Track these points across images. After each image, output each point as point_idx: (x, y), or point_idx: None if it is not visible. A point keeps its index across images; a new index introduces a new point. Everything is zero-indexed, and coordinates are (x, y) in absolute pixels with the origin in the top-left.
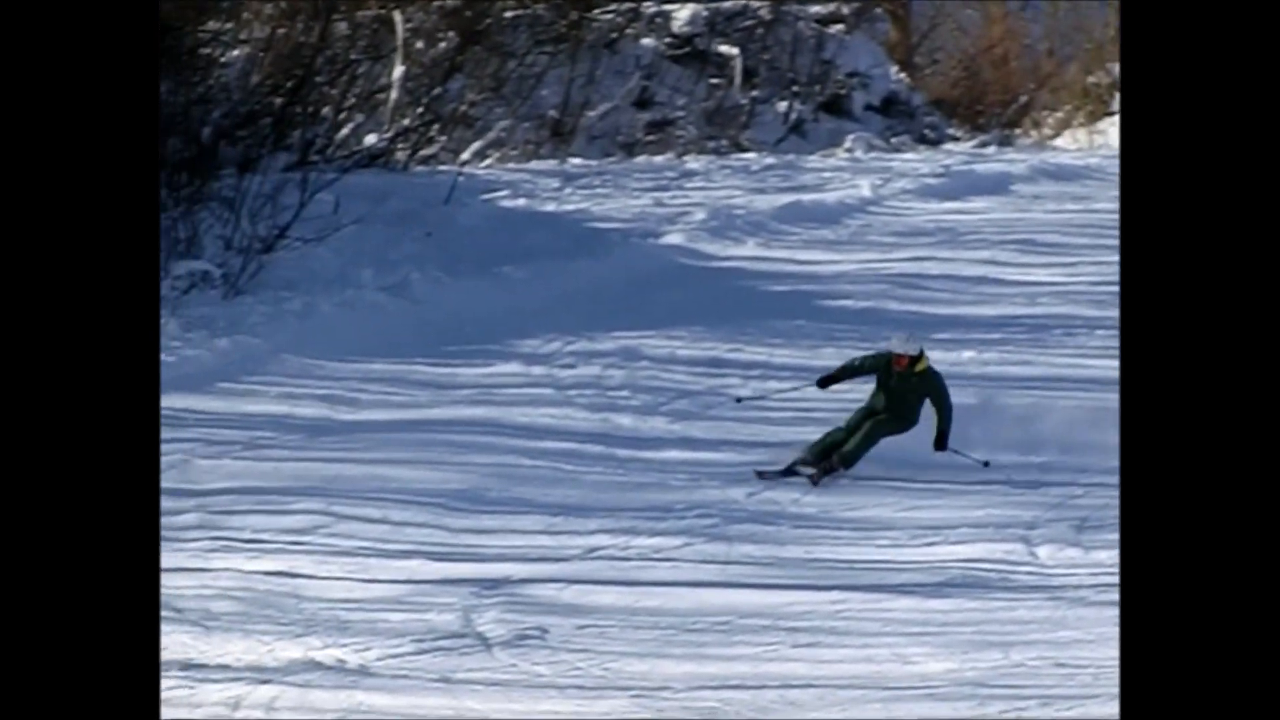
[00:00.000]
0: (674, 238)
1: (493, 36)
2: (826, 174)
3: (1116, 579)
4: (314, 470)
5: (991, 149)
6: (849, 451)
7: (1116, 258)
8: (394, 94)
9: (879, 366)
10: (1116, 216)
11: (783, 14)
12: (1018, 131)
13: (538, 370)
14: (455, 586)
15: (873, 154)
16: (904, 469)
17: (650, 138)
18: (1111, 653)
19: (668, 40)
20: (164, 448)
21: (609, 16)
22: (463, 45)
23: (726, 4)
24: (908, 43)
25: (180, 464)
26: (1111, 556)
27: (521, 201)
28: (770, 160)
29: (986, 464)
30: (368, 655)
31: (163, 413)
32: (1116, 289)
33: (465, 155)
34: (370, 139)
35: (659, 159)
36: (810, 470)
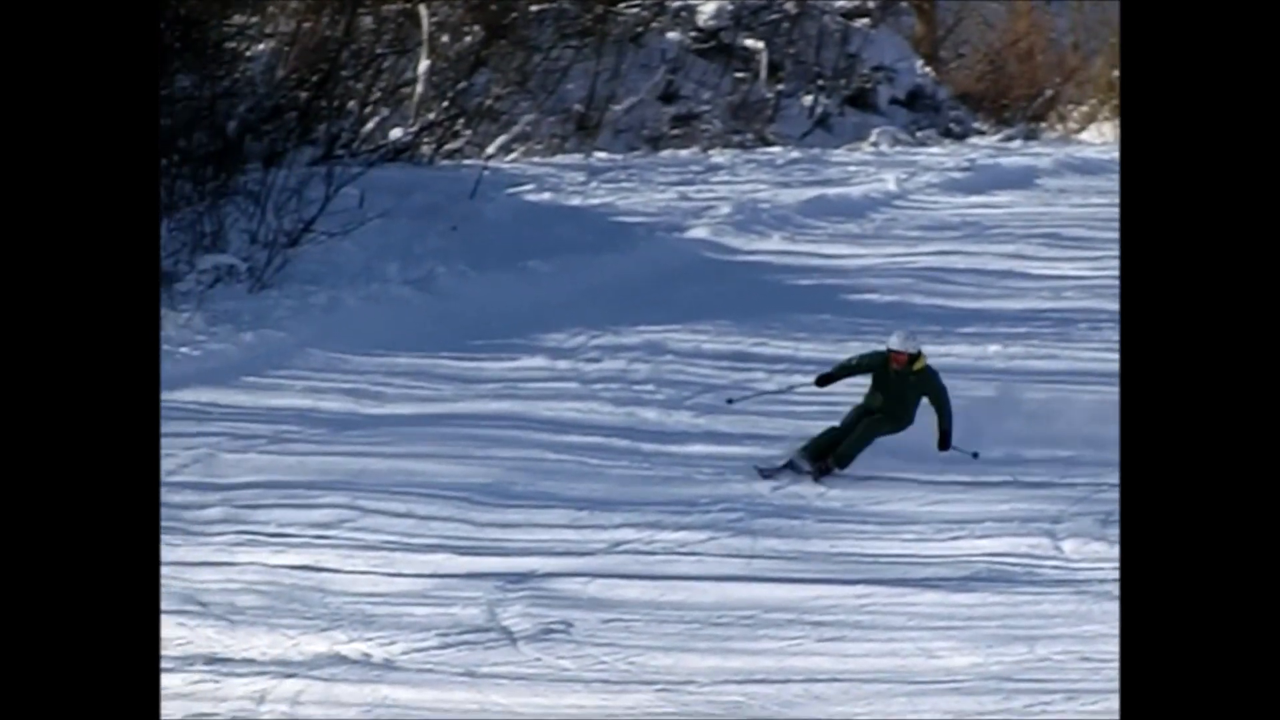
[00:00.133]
0: (699, 232)
1: (518, 30)
2: (852, 168)
3: None
4: (339, 464)
5: (1017, 143)
6: (844, 452)
7: None
8: (419, 88)
9: (876, 365)
10: None
11: (808, 8)
12: (1043, 125)
13: (563, 364)
14: (480, 580)
15: (898, 148)
16: (928, 463)
17: (675, 131)
18: None
19: (693, 34)
20: (189, 441)
21: (634, 10)
22: (488, 39)
23: None
24: (933, 36)
25: (205, 458)
26: None
27: (546, 195)
28: (795, 154)
29: (975, 455)
30: (393, 649)
31: (188, 406)
32: None
33: (490, 149)
34: (395, 133)
35: (684, 153)
36: (809, 469)
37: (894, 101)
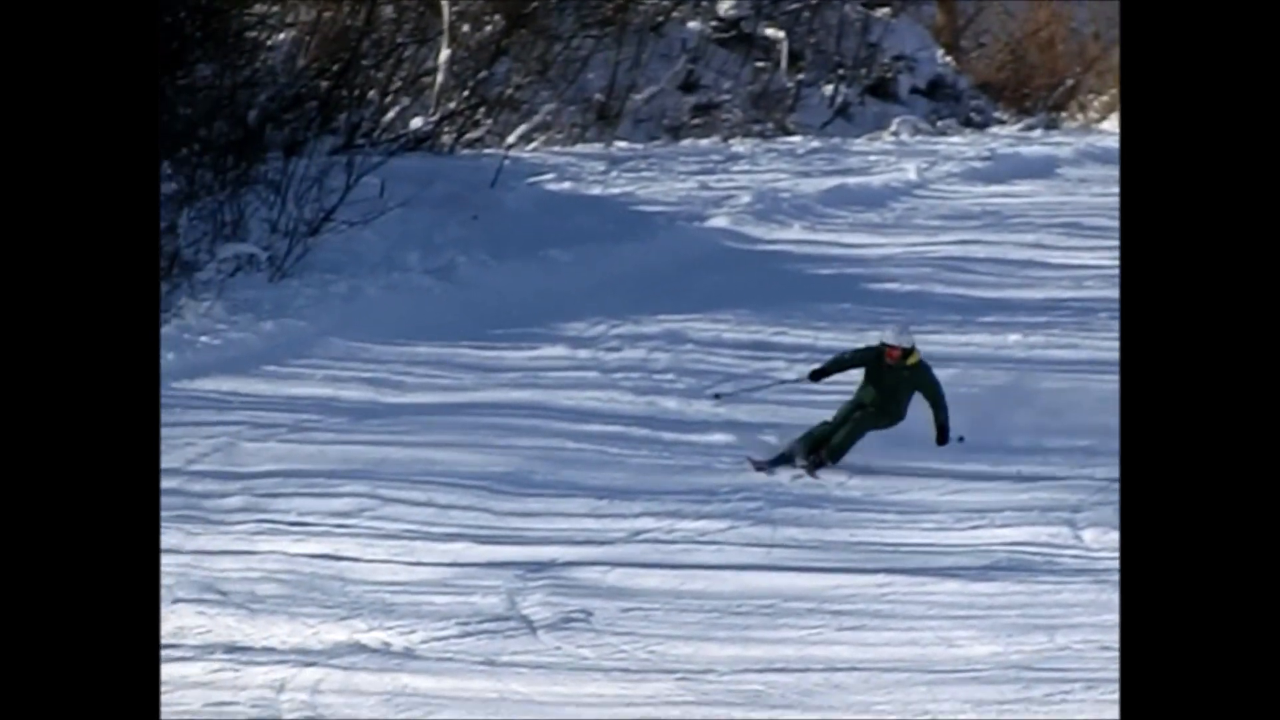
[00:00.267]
0: (719, 221)
1: (539, 20)
2: (872, 157)
3: None
4: (359, 453)
5: (1037, 132)
6: (836, 445)
7: None
8: (440, 77)
9: (870, 359)
10: None
11: None
12: (1063, 115)
13: (583, 353)
14: (500, 569)
15: (918, 137)
16: (947, 453)
17: (696, 121)
18: None
19: (714, 23)
20: (210, 430)
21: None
22: (509, 28)
23: None
24: (954, 26)
25: (226, 447)
26: None
27: (567, 185)
28: (816, 143)
29: (961, 439)
30: (413, 638)
31: (208, 395)
32: None
33: (511, 138)
34: (416, 122)
35: (704, 142)
36: (803, 462)
37: (915, 91)
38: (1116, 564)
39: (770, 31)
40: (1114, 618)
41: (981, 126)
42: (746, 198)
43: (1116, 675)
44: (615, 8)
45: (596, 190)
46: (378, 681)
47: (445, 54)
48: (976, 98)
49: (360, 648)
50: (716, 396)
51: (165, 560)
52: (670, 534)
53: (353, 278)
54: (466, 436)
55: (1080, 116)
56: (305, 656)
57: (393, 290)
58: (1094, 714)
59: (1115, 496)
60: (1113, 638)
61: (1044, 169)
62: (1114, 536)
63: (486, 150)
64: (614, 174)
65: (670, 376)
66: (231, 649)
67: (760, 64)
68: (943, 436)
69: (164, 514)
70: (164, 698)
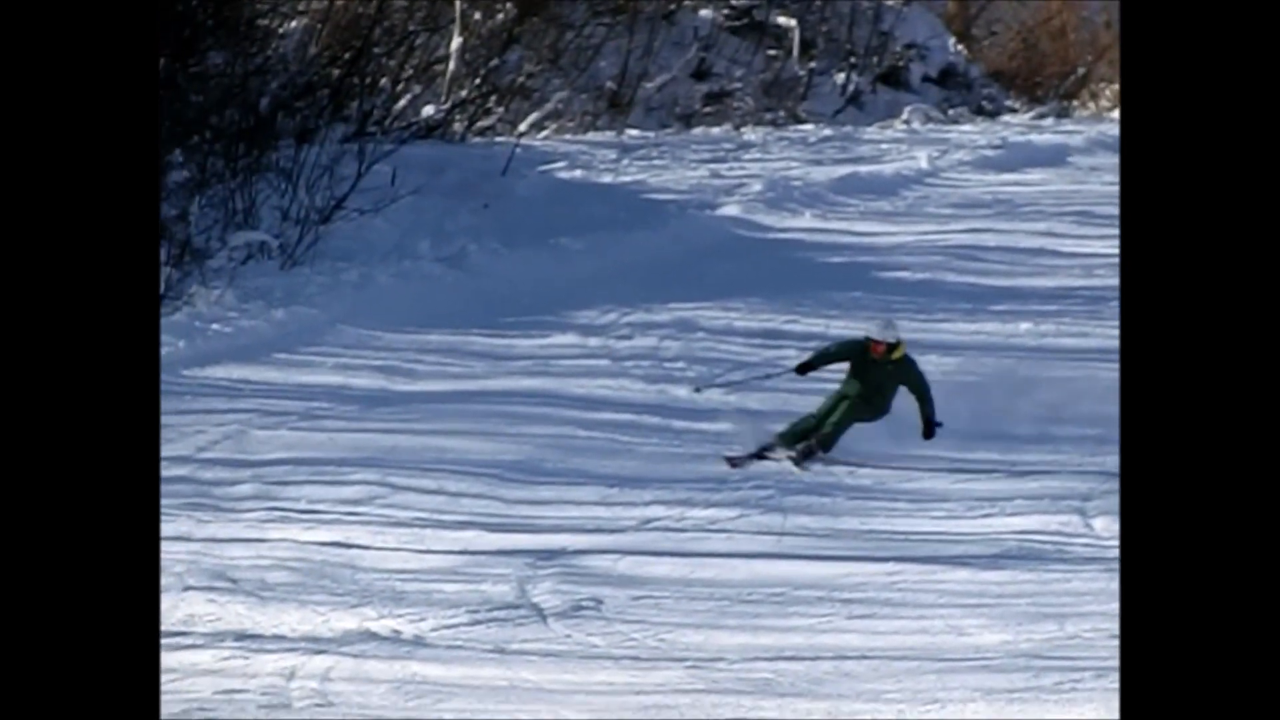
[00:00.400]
0: (731, 209)
1: (550, 8)
2: (884, 146)
3: None
4: (370, 441)
5: (1049, 121)
6: (828, 433)
7: None
8: (451, 65)
9: (855, 353)
10: None
11: None
12: (1075, 103)
13: (594, 341)
14: (510, 557)
15: (930, 126)
16: (958, 441)
17: (707, 109)
18: None
19: (725, 11)
20: (220, 418)
21: None
22: (520, 16)
23: None
24: (965, 14)
25: (237, 434)
26: None
27: (578, 173)
28: (827, 132)
29: (940, 424)
30: (423, 626)
31: (219, 383)
32: None
33: (522, 127)
34: (428, 110)
35: (716, 130)
36: (790, 453)
37: (926, 79)
38: None
39: (782, 20)
40: None
41: (993, 115)
42: (758, 186)
43: None
44: None
45: (608, 178)
46: (388, 669)
47: (457, 42)
48: (988, 86)
49: (370, 635)
50: (697, 389)
51: (176, 548)
52: (680, 522)
53: (364, 265)
54: (477, 424)
55: (1092, 105)
56: (315, 644)
57: (404, 278)
58: (1103, 702)
59: None
60: None
61: (1055, 157)
62: None
63: (498, 138)
64: (625, 162)
65: (681, 364)
66: (242, 636)
67: (772, 52)
68: (929, 430)
69: (174, 501)
70: (174, 685)
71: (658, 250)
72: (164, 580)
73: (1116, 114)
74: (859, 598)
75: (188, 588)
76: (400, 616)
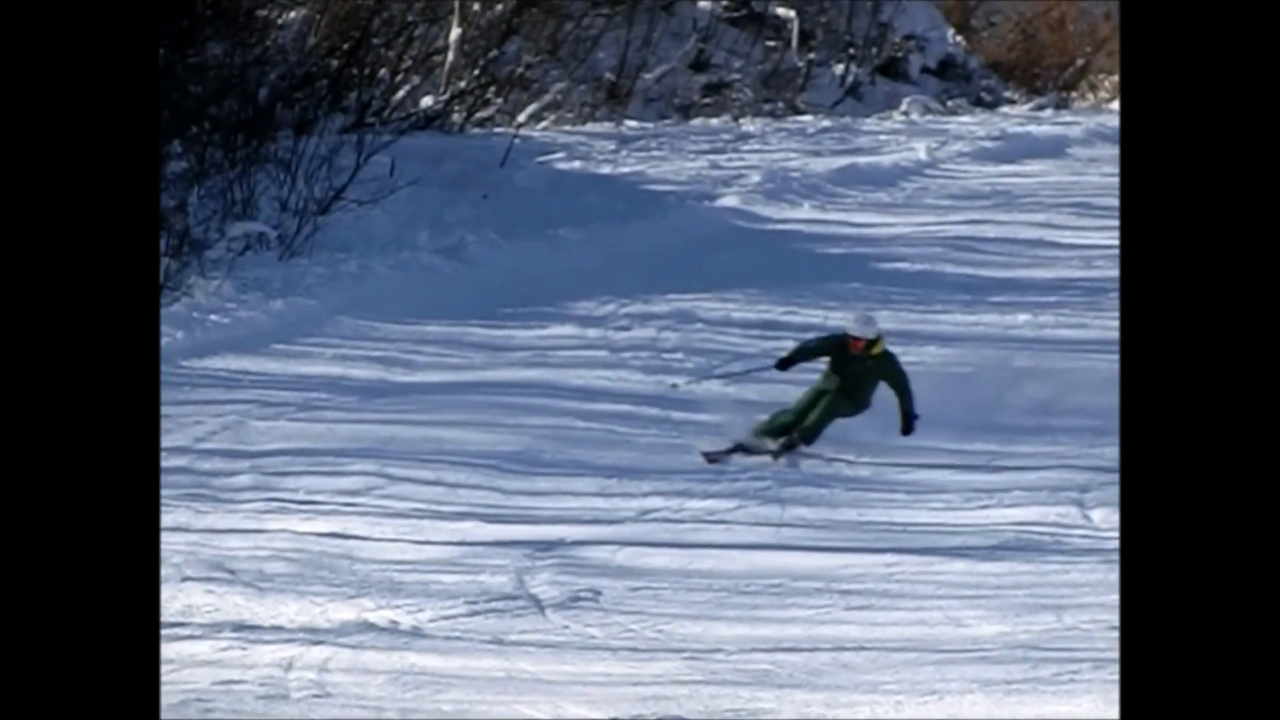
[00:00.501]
0: (729, 200)
1: None
2: (883, 137)
3: None
4: (368, 432)
5: (1048, 112)
6: (810, 425)
7: None
8: (450, 56)
9: (835, 348)
10: None
11: None
12: (1074, 95)
13: (592, 332)
14: (508, 548)
15: (929, 117)
16: (956, 432)
17: (706, 100)
18: None
19: (724, 2)
20: (219, 409)
21: None
22: (519, 7)
23: None
24: (964, 5)
25: (235, 425)
26: None
27: (577, 164)
28: (826, 123)
29: (918, 416)
30: (421, 617)
31: (218, 374)
32: None
33: (521, 117)
34: (426, 101)
35: (715, 121)
36: (771, 447)
37: (925, 70)
38: None
39: (781, 11)
40: None
41: (992, 106)
42: (756, 177)
43: None
44: None
45: (606, 169)
46: (386, 660)
47: (456, 33)
48: (987, 77)
49: (368, 626)
50: (674, 385)
51: (174, 538)
52: (679, 513)
53: (362, 257)
54: (475, 415)
55: (1091, 96)
56: (313, 635)
57: (402, 269)
58: (1102, 694)
59: None
60: None
61: (1054, 149)
62: None
63: (496, 129)
64: (624, 153)
65: (679, 356)
66: (240, 627)
67: (771, 43)
68: (908, 426)
69: (172, 492)
70: (172, 675)
71: (656, 241)
72: (162, 571)
73: (1116, 105)
74: (857, 589)
75: (186, 578)
76: (398, 607)
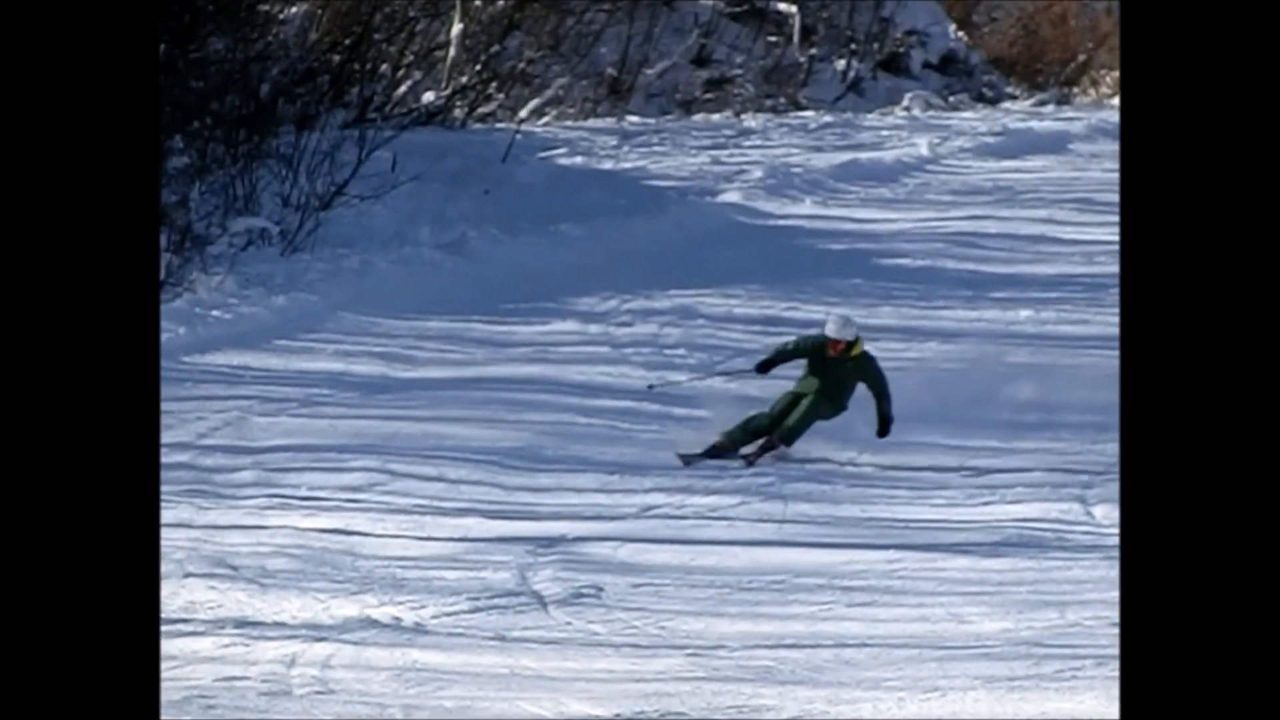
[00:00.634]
0: (731, 196)
1: None
2: (884, 132)
3: None
4: (370, 428)
5: (1049, 108)
6: (791, 427)
7: None
8: (452, 51)
9: (814, 350)
10: None
11: None
12: (1076, 90)
13: (594, 328)
14: (511, 544)
15: (930, 112)
16: (959, 428)
17: (708, 96)
18: None
19: None
20: (220, 405)
21: None
22: (521, 2)
23: None
24: (966, 1)
25: (237, 421)
26: None
27: (579, 159)
28: (828, 118)
29: (893, 420)
30: (423, 613)
31: (219, 370)
32: None
33: (523, 113)
34: (428, 96)
35: (716, 117)
36: (749, 450)
37: (927, 66)
38: None
39: (783, 6)
40: None
41: (994, 102)
42: (758, 173)
43: None
44: None
45: (608, 165)
46: (388, 656)
47: (457, 28)
48: (989, 73)
49: (371, 623)
50: (650, 387)
51: (176, 535)
52: (681, 509)
53: (364, 252)
54: (477, 411)
55: (1092, 92)
56: (316, 631)
57: (404, 265)
58: (1104, 690)
59: None
60: None
61: (1056, 144)
62: None
63: (498, 125)
64: (626, 149)
65: (681, 352)
66: (242, 624)
67: (772, 38)
68: (884, 428)
69: (174, 488)
70: (174, 672)
71: (658, 237)
72: (164, 567)
73: (1117, 101)
74: (859, 585)
75: (188, 575)
76: (401, 604)
